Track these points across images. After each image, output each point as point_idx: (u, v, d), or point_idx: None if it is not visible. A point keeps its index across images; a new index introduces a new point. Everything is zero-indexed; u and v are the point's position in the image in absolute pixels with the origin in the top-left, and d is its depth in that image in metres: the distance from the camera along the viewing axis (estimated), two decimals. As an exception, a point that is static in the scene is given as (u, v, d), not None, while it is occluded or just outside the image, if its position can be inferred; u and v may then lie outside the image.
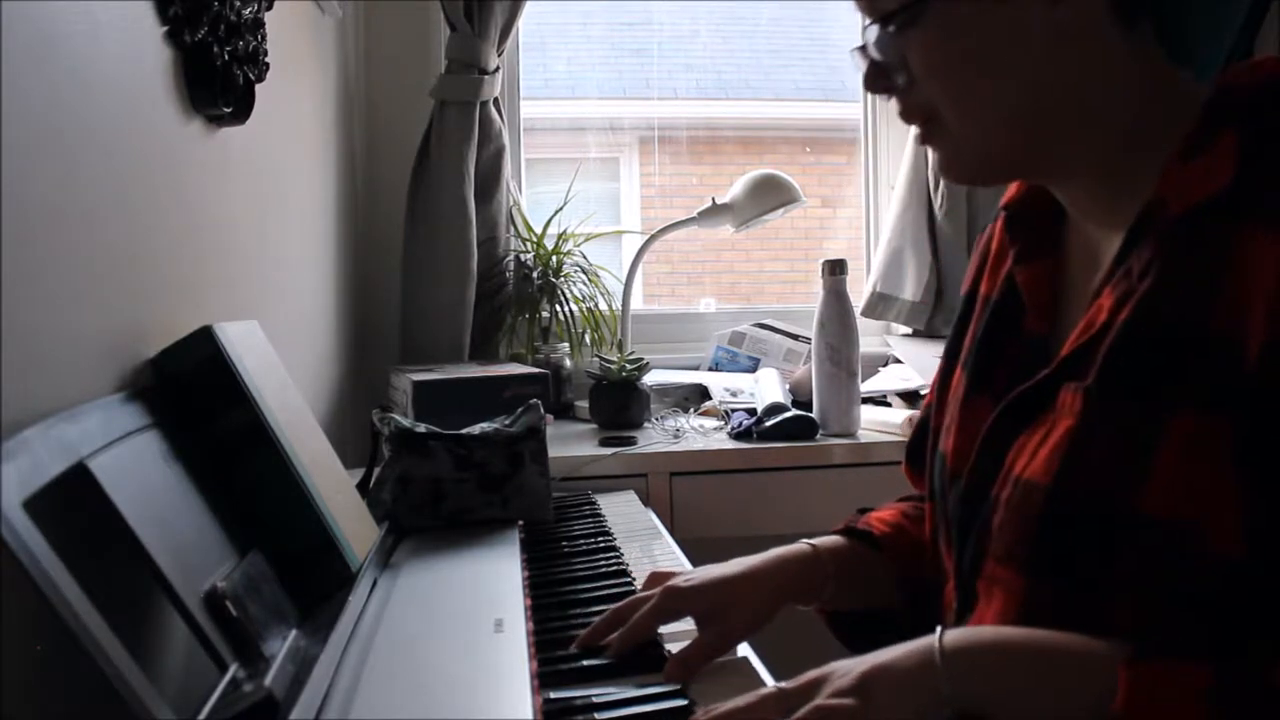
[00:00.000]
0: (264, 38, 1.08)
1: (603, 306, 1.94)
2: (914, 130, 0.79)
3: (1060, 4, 0.64)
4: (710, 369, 1.99)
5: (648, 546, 1.10)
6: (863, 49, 0.71)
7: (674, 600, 0.79)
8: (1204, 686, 0.52)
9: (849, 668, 0.60)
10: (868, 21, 0.70)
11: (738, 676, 0.74)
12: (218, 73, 0.94)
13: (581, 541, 1.10)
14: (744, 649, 0.80)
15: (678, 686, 0.70)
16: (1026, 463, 0.66)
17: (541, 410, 1.14)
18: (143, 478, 0.64)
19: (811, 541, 0.86)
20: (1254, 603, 0.56)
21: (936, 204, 1.98)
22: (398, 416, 1.11)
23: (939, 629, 0.61)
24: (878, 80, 0.71)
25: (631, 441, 1.53)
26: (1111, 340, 0.63)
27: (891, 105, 0.73)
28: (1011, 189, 0.80)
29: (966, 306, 0.84)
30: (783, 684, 0.63)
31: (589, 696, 0.68)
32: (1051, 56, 0.65)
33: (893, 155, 2.14)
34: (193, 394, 0.77)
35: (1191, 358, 0.59)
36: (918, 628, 0.64)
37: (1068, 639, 0.59)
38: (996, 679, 0.58)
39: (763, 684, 0.71)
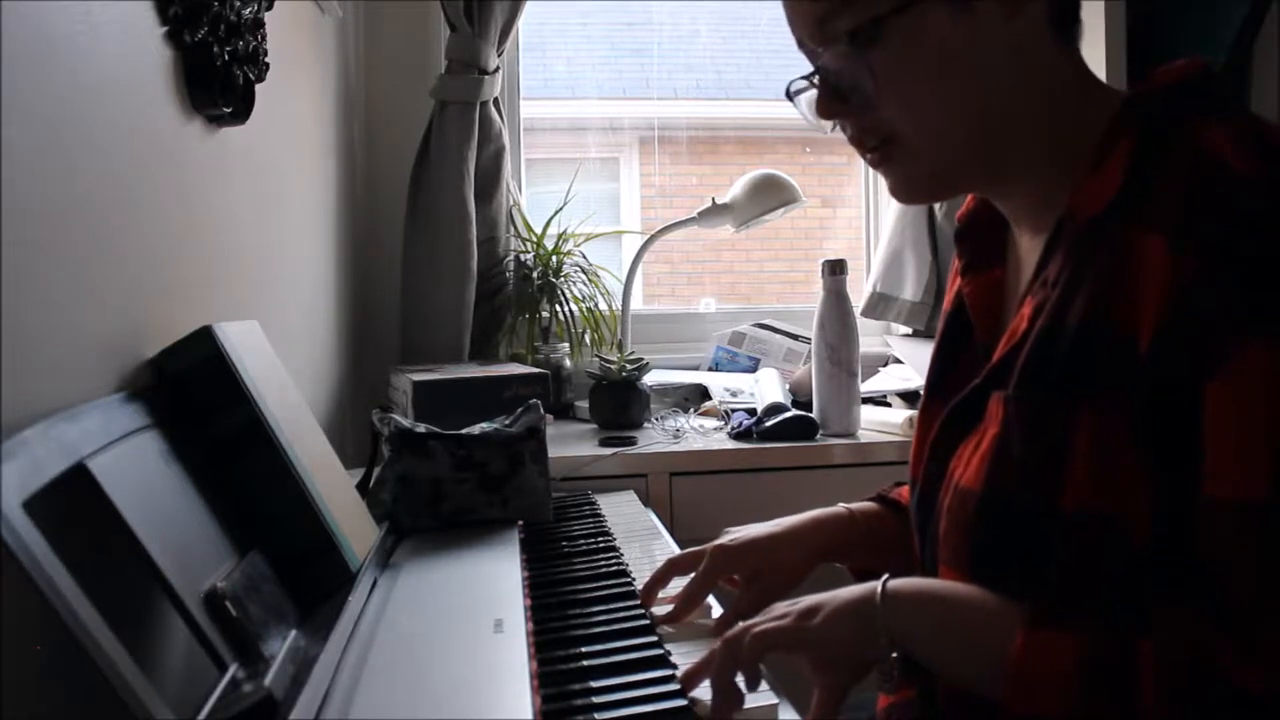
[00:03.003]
0: (264, 38, 1.08)
1: (603, 306, 1.93)
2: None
3: (1016, 16, 0.67)
4: (710, 369, 1.99)
5: (648, 546, 1.10)
6: (814, 75, 0.72)
7: (724, 560, 0.89)
8: (1079, 656, 0.58)
9: (791, 601, 0.68)
10: (820, 49, 0.71)
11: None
12: (218, 73, 0.94)
13: (581, 541, 1.10)
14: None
15: (678, 687, 0.70)
16: (963, 470, 0.69)
17: (541, 410, 1.14)
18: (143, 478, 0.64)
19: (848, 506, 0.95)
20: (1140, 576, 0.60)
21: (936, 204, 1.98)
22: (398, 416, 1.11)
23: (885, 575, 0.68)
24: (834, 104, 0.72)
25: (631, 441, 1.53)
26: (1027, 348, 0.66)
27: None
28: (964, 206, 0.82)
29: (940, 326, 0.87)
30: (725, 635, 0.69)
31: (589, 696, 0.68)
32: (1008, 65, 0.68)
33: (893, 155, 2.13)
34: (193, 394, 0.77)
35: (1094, 356, 0.62)
36: None
37: (988, 598, 0.65)
38: (922, 619, 0.66)
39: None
